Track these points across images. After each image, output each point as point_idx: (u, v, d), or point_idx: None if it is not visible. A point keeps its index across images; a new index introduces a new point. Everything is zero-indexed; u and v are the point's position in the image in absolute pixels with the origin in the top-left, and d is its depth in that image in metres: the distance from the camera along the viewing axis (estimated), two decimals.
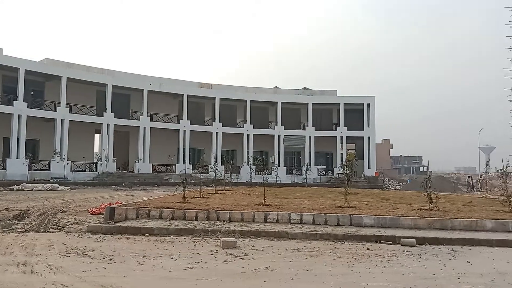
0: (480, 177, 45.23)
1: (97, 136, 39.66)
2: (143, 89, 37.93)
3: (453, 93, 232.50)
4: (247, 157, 36.79)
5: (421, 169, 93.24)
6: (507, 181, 16.95)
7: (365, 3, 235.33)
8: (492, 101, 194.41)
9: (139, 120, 38.02)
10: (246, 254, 7.90)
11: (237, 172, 35.37)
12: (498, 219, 11.26)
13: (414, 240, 9.18)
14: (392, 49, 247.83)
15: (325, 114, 45.55)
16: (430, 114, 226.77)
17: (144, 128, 37.79)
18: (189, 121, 39.88)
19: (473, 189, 39.42)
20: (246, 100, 42.45)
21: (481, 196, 23.63)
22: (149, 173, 36.75)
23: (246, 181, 29.58)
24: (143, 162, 37.16)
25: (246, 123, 42.48)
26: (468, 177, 51.41)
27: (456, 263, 7.60)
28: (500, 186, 19.86)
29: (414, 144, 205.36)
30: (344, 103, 43.70)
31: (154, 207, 12.18)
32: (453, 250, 8.74)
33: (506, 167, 17.16)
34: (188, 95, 40.16)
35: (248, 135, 42.06)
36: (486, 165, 43.54)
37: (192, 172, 34.71)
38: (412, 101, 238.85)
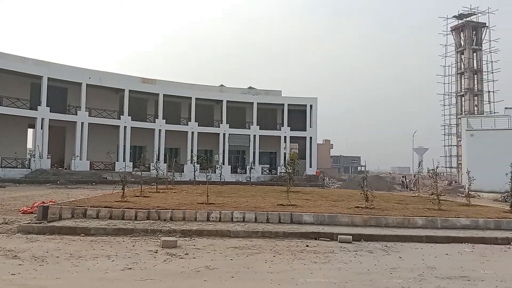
0: (414, 177, 47.95)
1: (30, 131, 37.37)
2: (81, 83, 36.26)
3: (392, 101, 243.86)
4: (191, 155, 36.33)
5: (359, 168, 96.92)
6: (437, 181, 18.11)
7: (310, 3, 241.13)
8: (429, 107, 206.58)
9: (76, 115, 36.31)
10: (187, 254, 7.81)
11: (180, 171, 34.83)
12: (428, 216, 12.00)
13: (351, 237, 9.55)
14: (337, 52, 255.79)
15: (269, 114, 46.11)
16: (369, 117, 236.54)
17: (82, 123, 36.15)
18: (130, 117, 38.70)
19: (407, 188, 41.68)
20: (191, 97, 41.94)
21: (414, 195, 25.03)
22: (87, 170, 35.23)
23: (190, 179, 29.22)
24: (80, 159, 35.56)
25: (190, 121, 41.97)
26: (403, 176, 54.35)
27: (389, 258, 8.00)
28: (431, 186, 21.12)
29: (353, 145, 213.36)
30: (288, 104, 44.49)
31: (91, 206, 11.70)
32: (386, 246, 9.19)
33: (437, 167, 18.33)
34: (130, 90, 38.92)
35: (192, 133, 41.60)
36: (419, 166, 46.27)
37: (133, 170, 33.74)
38: (353, 105, 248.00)
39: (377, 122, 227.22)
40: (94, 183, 30.75)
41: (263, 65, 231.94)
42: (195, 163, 25.51)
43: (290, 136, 44.59)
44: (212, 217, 11.30)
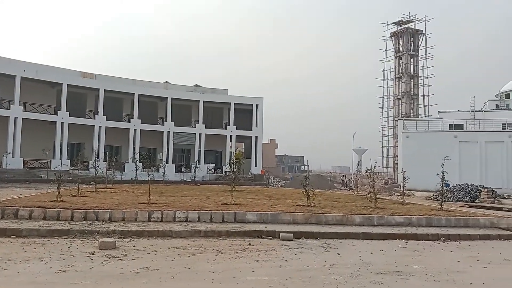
0: (353, 176, 49.81)
1: None
2: (15, 76, 34.05)
3: (336, 103, 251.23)
4: (133, 154, 35.30)
5: (302, 168, 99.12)
6: (375, 180, 18.94)
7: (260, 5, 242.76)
8: (369, 109, 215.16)
9: (9, 109, 34.04)
10: (126, 255, 7.59)
11: (121, 170, 33.72)
12: (365, 214, 12.50)
13: (292, 234, 9.75)
14: (285, 56, 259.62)
15: (216, 112, 45.90)
16: (314, 118, 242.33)
17: (15, 118, 33.96)
18: (68, 112, 36.87)
19: (347, 187, 43.20)
20: (134, 93, 40.74)
21: (353, 194, 25.98)
22: (20, 168, 33.14)
23: (131, 178, 28.38)
24: (13, 157, 33.39)
25: (133, 118, 40.75)
26: (343, 176, 56.29)
27: (328, 255, 8.24)
28: (369, 185, 22.05)
29: (298, 145, 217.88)
30: (234, 103, 44.50)
31: (23, 206, 11.04)
32: (326, 243, 9.47)
33: (374, 167, 19.16)
34: (68, 84, 37.05)
35: (135, 130, 40.39)
36: (358, 165, 48.07)
37: (70, 169, 32.19)
38: (299, 106, 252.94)
39: (321, 123, 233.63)
40: (27, 182, 28.98)
41: (210, 64, 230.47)
42: (137, 162, 24.80)
43: (236, 135, 44.66)
44: (154, 217, 11.05)
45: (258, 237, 9.79)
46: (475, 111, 42.18)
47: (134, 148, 39.15)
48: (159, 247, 8.43)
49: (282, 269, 6.99)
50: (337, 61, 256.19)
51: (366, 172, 19.97)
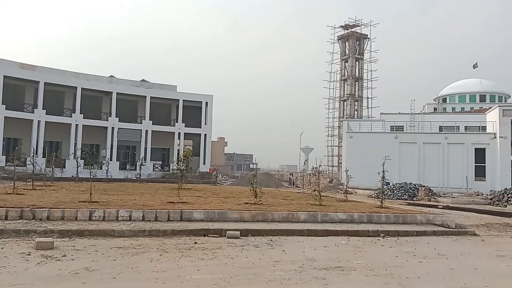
0: (300, 174, 50.82)
1: None
2: None
3: (286, 103, 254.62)
4: (75, 150, 33.79)
5: (251, 166, 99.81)
6: (320, 178, 19.44)
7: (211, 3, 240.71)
8: (317, 110, 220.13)
9: None
10: (64, 255, 7.25)
11: (61, 166, 32.20)
12: (310, 211, 12.79)
13: (239, 232, 9.78)
14: (236, 54, 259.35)
15: (163, 109, 45.00)
16: (264, 117, 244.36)
17: None
18: (4, 106, 34.63)
19: (293, 185, 44.02)
20: (77, 87, 38.98)
21: (299, 191, 26.50)
22: None
23: (72, 176, 27.17)
24: None
25: (75, 112, 38.99)
26: (290, 174, 57.32)
27: (273, 252, 8.35)
28: (314, 183, 22.57)
29: (247, 143, 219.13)
30: (183, 100, 43.85)
31: None
32: (271, 240, 9.59)
33: (319, 166, 19.66)
34: (4, 76, 34.83)
35: (77, 125, 38.66)
36: (304, 164, 49.11)
37: (6, 165, 30.29)
38: (249, 105, 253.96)
39: (270, 122, 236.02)
40: None
41: (159, 60, 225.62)
42: (79, 158, 23.72)
43: (185, 133, 44.05)
44: (95, 216, 10.66)
45: (205, 236, 9.72)
46: (414, 114, 44.48)
47: (75, 144, 37.47)
48: (101, 247, 8.14)
49: (227, 267, 6.99)
50: (287, 62, 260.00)
51: (312, 170, 20.41)
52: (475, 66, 56.26)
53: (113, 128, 40.52)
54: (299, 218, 12.06)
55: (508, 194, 25.66)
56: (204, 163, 44.13)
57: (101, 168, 29.58)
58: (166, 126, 43.66)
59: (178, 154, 41.88)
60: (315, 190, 16.16)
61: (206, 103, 44.96)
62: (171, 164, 42.50)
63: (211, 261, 7.31)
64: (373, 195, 27.56)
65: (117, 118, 40.75)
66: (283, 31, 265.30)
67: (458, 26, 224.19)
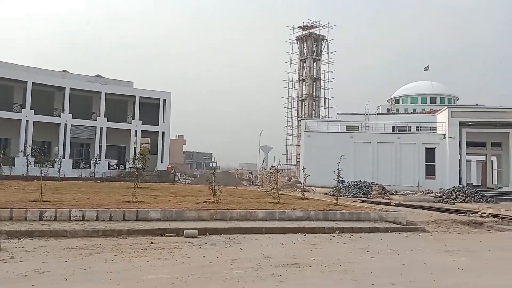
0: (259, 173, 51.13)
1: None
2: None
3: (242, 105, 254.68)
4: (25, 147, 32.30)
5: (211, 164, 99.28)
6: (278, 177, 19.65)
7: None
8: (276, 109, 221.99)
9: None
10: (12, 257, 6.93)
11: (10, 164, 30.69)
12: (268, 209, 12.91)
13: (196, 231, 9.71)
14: (194, 52, 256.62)
15: (119, 105, 43.85)
16: (223, 115, 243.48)
17: None
18: None
19: (253, 183, 44.22)
20: (27, 81, 37.24)
21: (258, 190, 26.67)
22: None
23: (22, 174, 26.01)
24: None
25: (25, 108, 37.24)
26: (250, 172, 57.53)
27: (231, 250, 8.36)
28: (273, 181, 22.80)
29: (207, 141, 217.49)
30: (140, 96, 42.91)
31: None
32: (229, 238, 9.60)
33: (278, 164, 19.89)
34: None
35: (27, 121, 36.97)
36: (263, 162, 49.48)
37: None
38: (208, 102, 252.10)
39: (231, 120, 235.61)
40: None
41: (115, 55, 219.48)
42: (29, 156, 22.72)
43: (142, 130, 43.14)
44: (46, 216, 10.25)
45: (162, 235, 9.58)
46: (369, 114, 45.90)
47: (26, 141, 35.87)
48: (52, 247, 7.85)
49: (184, 266, 6.93)
50: (248, 60, 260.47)
51: (270, 169, 20.62)
52: (426, 69, 58.69)
53: (65, 124, 39.06)
54: (257, 216, 12.15)
55: (456, 192, 26.99)
56: (162, 162, 43.47)
57: (53, 166, 28.47)
58: (122, 123, 42.59)
59: (135, 152, 40.98)
60: (273, 188, 16.32)
61: (164, 100, 44.27)
62: (127, 162, 41.54)
63: (168, 261, 7.23)
64: (329, 193, 28.12)
65: (70, 115, 39.32)
66: (244, 30, 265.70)
67: (411, 29, 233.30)
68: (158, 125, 43.86)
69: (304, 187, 23.09)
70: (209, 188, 14.49)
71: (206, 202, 13.69)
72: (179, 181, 42.47)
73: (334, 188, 22.06)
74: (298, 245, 9.42)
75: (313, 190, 31.29)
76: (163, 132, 44.12)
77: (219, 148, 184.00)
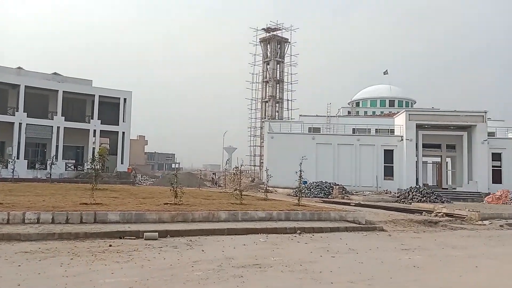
0: (223, 174, 50.95)
1: None
2: None
3: (206, 105, 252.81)
4: None
5: (173, 165, 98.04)
6: (241, 178, 19.66)
7: None
8: (241, 111, 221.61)
9: None
10: None
11: None
12: (231, 210, 12.89)
13: (157, 233, 9.56)
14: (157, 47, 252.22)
15: (78, 104, 42.47)
16: (188, 116, 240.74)
17: None
18: None
19: (216, 185, 44.02)
20: None
21: (221, 191, 26.56)
22: None
23: None
24: None
25: None
26: (213, 173, 57.26)
27: (192, 252, 8.28)
28: (236, 182, 22.75)
29: (170, 142, 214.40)
30: (99, 95, 41.72)
31: None
32: (191, 240, 9.51)
33: (241, 165, 19.90)
34: None
35: None
36: (226, 163, 49.32)
37: None
38: (172, 104, 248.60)
39: (195, 121, 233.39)
40: None
41: (74, 54, 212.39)
42: None
43: (101, 130, 41.91)
44: None
45: (121, 238, 9.37)
46: (330, 116, 46.75)
47: None
48: (4, 251, 7.50)
49: (143, 269, 6.80)
50: (213, 63, 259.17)
51: (233, 169, 20.61)
52: (385, 73, 60.43)
53: (20, 123, 37.42)
54: (220, 218, 12.10)
55: (412, 193, 27.97)
56: (122, 163, 42.45)
57: (6, 167, 27.31)
58: (80, 122, 41.26)
59: (93, 152, 39.83)
60: (236, 190, 16.31)
61: (125, 99, 43.27)
62: (85, 163, 40.24)
63: (126, 264, 7.07)
64: (292, 194, 28.43)
65: (26, 113, 37.71)
66: (210, 30, 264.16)
67: (371, 33, 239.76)
68: (118, 125, 42.82)
69: (267, 188, 23.26)
70: (170, 190, 14.29)
71: (167, 204, 13.50)
72: (140, 183, 41.67)
73: (297, 189, 22.37)
74: (260, 245, 9.46)
75: (276, 191, 31.53)
76: (123, 132, 43.11)
77: (182, 149, 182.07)
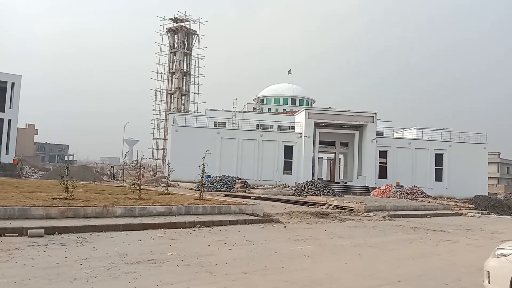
0: (122, 167, 48.82)
1: None
2: None
3: (106, 95, 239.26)
4: None
5: (67, 157, 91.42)
6: (142, 172, 18.97)
7: None
8: (144, 101, 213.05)
9: None
10: None
11: None
12: (128, 205, 12.42)
13: (43, 230, 8.88)
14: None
15: None
16: (84, 105, 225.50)
17: None
18: None
19: (114, 179, 42.02)
20: None
21: (119, 185, 25.44)
22: None
23: None
24: None
25: None
26: (111, 167, 54.54)
27: (82, 249, 7.83)
28: (136, 176, 21.94)
29: (64, 133, 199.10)
30: None
31: None
32: (81, 237, 8.98)
33: (141, 159, 19.19)
34: None
35: None
36: (125, 156, 47.27)
37: None
38: (65, 90, 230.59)
39: (93, 111, 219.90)
40: None
41: None
42: None
43: None
44: None
45: (1, 236, 8.52)
46: (236, 112, 47.35)
47: None
48: None
49: (26, 268, 6.27)
50: (115, 46, 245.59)
51: (132, 163, 19.88)
52: (289, 72, 62.85)
53: None
54: (115, 213, 11.59)
55: (308, 186, 29.57)
56: (7, 153, 38.48)
57: None
58: None
59: None
60: (134, 184, 15.76)
61: (13, 84, 39.20)
62: None
63: (6, 264, 6.46)
64: (194, 188, 28.27)
65: None
66: (115, 14, 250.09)
67: (278, 31, 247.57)
68: (3, 111, 38.70)
69: (169, 182, 22.83)
70: (61, 184, 13.32)
71: (56, 198, 12.57)
72: (28, 176, 38.22)
73: (199, 183, 22.34)
74: (156, 240, 9.28)
75: (178, 185, 31.11)
76: (10, 120, 39.08)
77: (78, 140, 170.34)
